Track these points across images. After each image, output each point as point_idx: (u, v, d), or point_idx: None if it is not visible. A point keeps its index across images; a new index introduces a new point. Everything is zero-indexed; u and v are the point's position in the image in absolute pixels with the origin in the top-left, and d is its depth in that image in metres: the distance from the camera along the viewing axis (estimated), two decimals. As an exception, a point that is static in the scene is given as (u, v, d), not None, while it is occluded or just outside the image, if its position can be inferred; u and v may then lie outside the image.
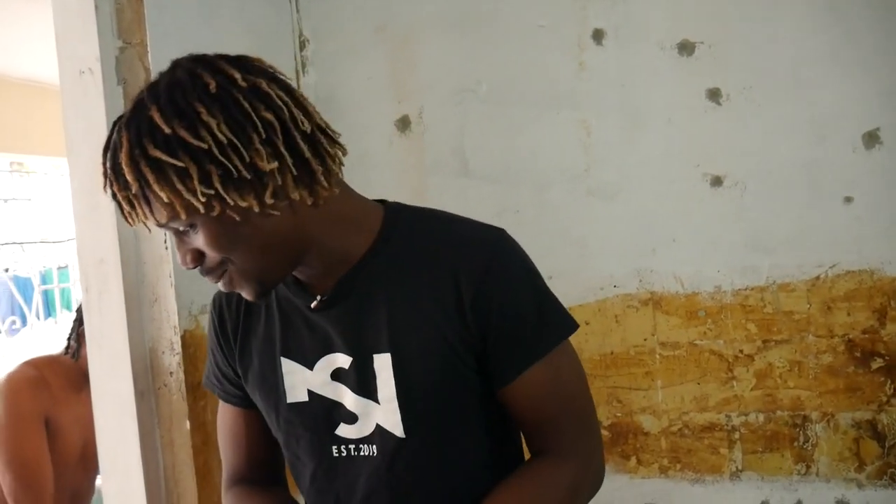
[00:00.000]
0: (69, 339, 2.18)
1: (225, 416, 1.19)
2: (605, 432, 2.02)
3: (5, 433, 2.02)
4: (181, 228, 0.91)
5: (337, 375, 1.04)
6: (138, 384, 1.51)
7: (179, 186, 0.85)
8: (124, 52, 1.50)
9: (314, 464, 1.08)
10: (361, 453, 1.04)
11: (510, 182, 2.06)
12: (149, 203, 0.88)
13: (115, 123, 0.91)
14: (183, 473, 1.53)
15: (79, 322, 2.14)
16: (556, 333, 1.03)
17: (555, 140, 2.03)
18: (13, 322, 5.97)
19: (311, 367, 1.05)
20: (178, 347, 1.51)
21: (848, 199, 1.85)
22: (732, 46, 1.91)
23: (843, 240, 1.86)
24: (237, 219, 0.89)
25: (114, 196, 0.90)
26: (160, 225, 0.91)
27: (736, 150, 1.92)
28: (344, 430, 1.04)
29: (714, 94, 1.92)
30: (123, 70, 1.51)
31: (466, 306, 0.98)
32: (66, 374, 2.14)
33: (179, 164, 0.84)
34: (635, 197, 1.99)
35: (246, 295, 0.98)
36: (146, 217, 0.89)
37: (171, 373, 1.53)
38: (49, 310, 6.46)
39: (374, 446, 1.02)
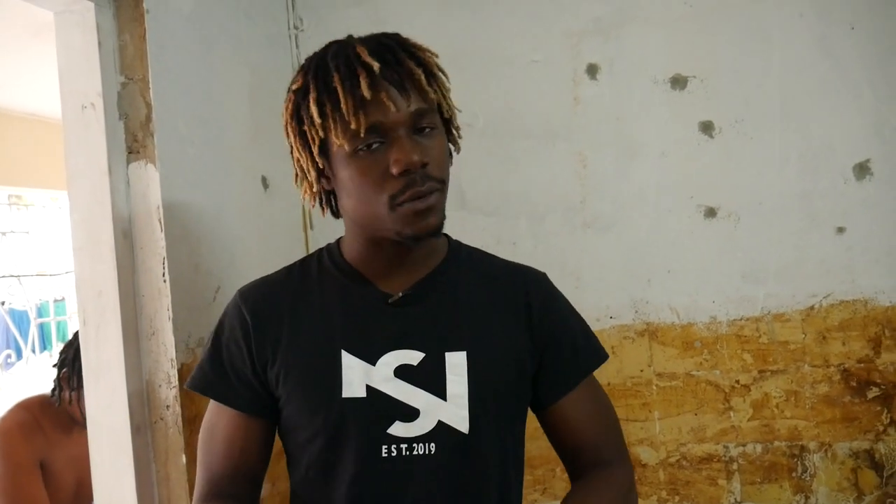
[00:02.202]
0: (54, 382, 2.13)
1: (220, 421, 1.12)
2: (602, 464, 2.01)
3: (3, 482, 1.98)
4: (423, 125, 1.02)
5: (401, 372, 1.05)
6: (135, 418, 1.50)
7: (443, 86, 1.06)
8: (126, 88, 1.52)
9: (357, 466, 1.04)
10: (414, 452, 1.04)
11: (507, 214, 2.08)
12: (416, 90, 1.01)
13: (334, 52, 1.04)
14: (179, 508, 1.52)
15: (59, 367, 2.12)
16: (600, 355, 1.21)
17: (550, 173, 2.05)
18: (8, 356, 5.94)
19: (373, 362, 1.06)
20: (175, 381, 1.51)
21: (840, 230, 1.87)
22: (724, 80, 1.94)
23: (836, 270, 1.88)
24: (450, 151, 1.10)
25: (372, 82, 0.98)
26: (413, 110, 1.01)
27: (729, 181, 1.94)
28: (398, 429, 1.05)
29: (707, 128, 1.95)
30: (125, 105, 1.53)
31: (535, 320, 1.13)
32: (57, 414, 2.12)
33: (442, 75, 1.07)
34: (630, 228, 2.01)
35: (434, 222, 1.03)
36: (408, 100, 1.00)
37: (167, 406, 1.52)
38: (45, 343, 6.43)
39: (433, 444, 1.05)
